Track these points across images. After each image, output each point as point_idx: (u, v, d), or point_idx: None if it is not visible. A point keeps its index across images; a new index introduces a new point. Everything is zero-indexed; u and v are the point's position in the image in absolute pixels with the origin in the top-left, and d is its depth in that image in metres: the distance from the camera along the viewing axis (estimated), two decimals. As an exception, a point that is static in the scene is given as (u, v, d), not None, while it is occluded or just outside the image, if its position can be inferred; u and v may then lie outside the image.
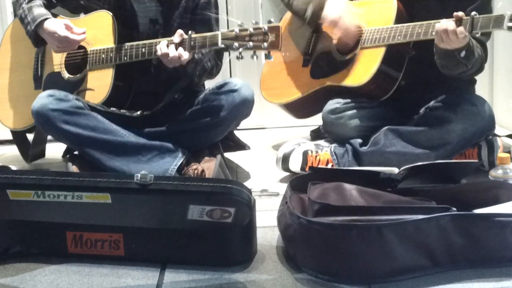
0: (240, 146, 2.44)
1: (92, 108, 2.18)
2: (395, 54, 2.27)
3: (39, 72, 2.42)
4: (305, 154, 2.27)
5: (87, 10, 2.34)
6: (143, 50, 2.18)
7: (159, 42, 2.13)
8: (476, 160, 2.21)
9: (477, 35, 2.07)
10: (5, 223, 1.65)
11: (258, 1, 3.16)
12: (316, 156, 2.26)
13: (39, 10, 2.28)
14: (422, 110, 2.28)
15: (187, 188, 1.54)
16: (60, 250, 1.65)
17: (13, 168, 2.46)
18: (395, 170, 1.81)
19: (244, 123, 2.40)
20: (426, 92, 2.32)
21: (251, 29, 1.99)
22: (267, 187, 2.23)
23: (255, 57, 2.03)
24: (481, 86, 2.59)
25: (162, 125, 2.26)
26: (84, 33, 2.24)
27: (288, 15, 2.61)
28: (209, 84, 2.35)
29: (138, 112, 2.24)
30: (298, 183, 1.77)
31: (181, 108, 2.28)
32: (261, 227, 1.70)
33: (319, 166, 2.22)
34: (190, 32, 2.09)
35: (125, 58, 2.21)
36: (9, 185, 1.57)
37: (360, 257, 1.44)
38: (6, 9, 3.03)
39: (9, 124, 2.49)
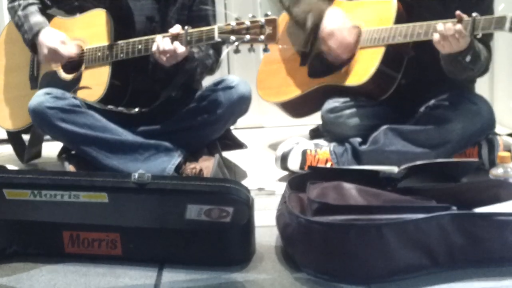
0: (238, 145, 2.44)
1: (89, 106, 2.17)
2: (394, 54, 2.26)
3: (35, 71, 2.41)
4: (304, 153, 2.27)
5: (82, 11, 2.35)
6: (139, 46, 2.18)
7: (156, 38, 2.13)
8: (477, 159, 2.21)
9: (478, 36, 2.05)
10: (2, 223, 1.64)
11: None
12: (315, 155, 2.26)
13: (36, 18, 2.29)
14: (422, 109, 2.28)
15: (185, 188, 1.53)
16: (57, 250, 1.64)
17: (10, 167, 2.46)
18: (395, 169, 1.80)
19: (242, 122, 2.40)
20: (426, 91, 2.32)
21: (248, 22, 1.99)
22: (266, 186, 2.22)
23: (252, 50, 2.03)
24: (482, 85, 2.58)
25: (159, 123, 2.26)
26: (75, 53, 2.25)
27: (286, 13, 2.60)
28: (206, 81, 2.35)
29: (136, 109, 2.23)
30: (297, 182, 1.76)
31: (179, 106, 2.27)
32: (260, 227, 1.69)
33: (318, 165, 2.22)
34: (186, 27, 2.09)
35: (121, 55, 2.20)
36: (5, 185, 1.56)
37: (360, 257, 1.44)
38: (2, 11, 3.03)
39: (5, 125, 2.49)
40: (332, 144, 2.28)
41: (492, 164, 2.14)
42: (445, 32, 2.02)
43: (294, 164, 2.27)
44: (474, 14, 2.00)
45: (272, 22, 1.99)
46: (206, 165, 2.15)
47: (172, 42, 2.08)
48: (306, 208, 1.60)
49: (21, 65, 2.45)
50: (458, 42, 2.02)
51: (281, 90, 2.55)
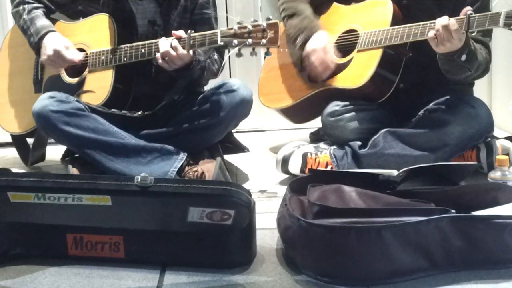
0: (239, 148, 2.45)
1: (93, 110, 2.18)
2: (392, 56, 2.27)
3: (39, 75, 2.42)
4: (304, 156, 2.28)
5: (85, 15, 2.36)
6: (143, 50, 2.19)
7: (158, 42, 2.14)
8: (475, 162, 2.21)
9: (475, 35, 2.07)
10: (6, 225, 1.65)
11: (258, 1, 3.17)
12: (315, 159, 2.27)
13: (42, 22, 2.30)
14: (420, 113, 2.29)
15: (187, 191, 1.54)
16: (60, 252, 1.65)
17: (14, 170, 2.47)
18: (394, 172, 1.81)
19: (243, 126, 2.41)
20: (425, 94, 2.33)
21: (250, 26, 2.01)
22: (267, 189, 2.23)
23: (254, 54, 2.05)
24: (480, 88, 2.60)
25: (162, 126, 2.27)
26: (79, 59, 2.26)
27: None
28: (208, 85, 2.36)
29: (139, 112, 2.25)
30: (298, 185, 1.77)
31: (181, 109, 2.28)
32: (261, 229, 1.70)
33: (319, 168, 2.23)
34: (189, 30, 2.10)
35: (125, 59, 2.22)
36: (9, 188, 1.57)
37: (359, 259, 1.45)
38: (7, 16, 3.04)
39: (9, 128, 2.50)
40: (332, 148, 2.29)
41: (491, 167, 2.14)
42: (438, 26, 2.03)
43: (294, 167, 2.29)
44: (468, 12, 2.01)
45: (274, 26, 2.01)
46: (208, 168, 2.16)
47: (174, 46, 2.10)
48: (306, 211, 1.61)
49: (25, 69, 2.46)
50: (453, 39, 2.03)
51: (282, 96, 2.56)
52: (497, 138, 2.32)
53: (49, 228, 1.64)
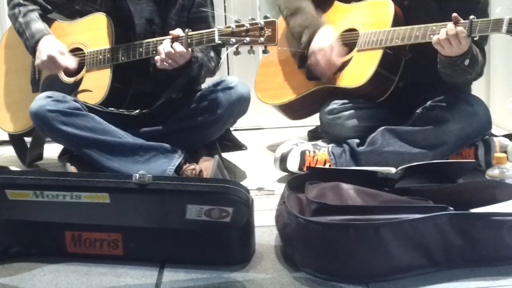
0: (237, 146, 2.45)
1: (90, 109, 2.18)
2: (392, 57, 2.27)
3: (37, 75, 2.42)
4: (303, 154, 2.28)
5: (82, 14, 2.35)
6: (140, 49, 2.19)
7: (157, 41, 2.14)
8: (473, 160, 2.22)
9: (476, 39, 2.07)
10: (4, 223, 1.65)
11: (256, 2, 3.16)
12: (313, 156, 2.27)
13: (37, 25, 2.30)
14: (419, 110, 2.29)
15: (185, 188, 1.54)
16: (59, 250, 1.65)
17: (12, 168, 2.47)
18: (392, 169, 1.81)
19: (241, 123, 2.41)
20: (423, 92, 2.33)
21: (248, 25, 2.01)
22: (265, 187, 2.23)
23: (252, 52, 2.05)
24: (478, 86, 2.60)
25: (160, 124, 2.27)
26: (73, 65, 2.26)
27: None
28: (205, 82, 2.36)
29: (137, 111, 2.24)
30: (296, 183, 1.77)
31: (179, 107, 2.28)
32: (259, 227, 1.70)
33: (317, 166, 2.23)
34: (186, 29, 2.10)
35: (123, 58, 2.22)
36: (8, 185, 1.57)
37: (358, 256, 1.45)
38: (4, 15, 3.03)
39: (7, 128, 2.49)
40: (331, 145, 2.30)
41: (489, 165, 2.14)
42: (447, 33, 2.03)
43: (293, 165, 2.29)
44: (471, 17, 2.02)
45: (271, 24, 2.01)
46: (206, 166, 2.16)
47: (172, 45, 2.10)
48: (305, 208, 1.61)
49: (22, 69, 2.45)
50: (460, 44, 2.04)
51: (279, 92, 2.56)
52: (495, 136, 2.33)
53: (48, 225, 1.64)
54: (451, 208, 1.53)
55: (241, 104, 2.25)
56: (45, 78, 2.39)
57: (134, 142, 2.18)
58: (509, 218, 1.49)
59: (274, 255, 1.64)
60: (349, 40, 2.39)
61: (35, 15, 2.33)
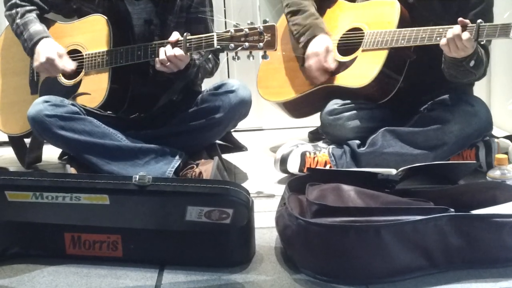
0: (237, 147, 2.45)
1: (89, 112, 2.17)
2: (396, 58, 2.27)
3: (35, 77, 2.41)
4: (303, 155, 2.27)
5: (80, 15, 2.34)
6: (139, 52, 2.18)
7: (155, 45, 2.13)
8: (474, 161, 2.21)
9: (482, 43, 2.06)
10: (3, 225, 1.65)
11: (256, 2, 3.16)
12: (314, 158, 2.26)
13: (35, 27, 2.29)
14: (419, 111, 2.29)
15: (185, 189, 1.54)
16: (58, 251, 1.65)
17: (12, 169, 2.47)
18: (393, 171, 1.81)
19: (241, 125, 2.40)
20: (424, 93, 2.33)
21: (247, 30, 2.00)
22: (265, 188, 2.23)
23: (251, 57, 2.04)
24: (479, 87, 2.59)
25: (160, 126, 2.26)
26: (72, 68, 2.25)
27: (286, 15, 2.61)
28: (206, 85, 2.36)
29: (135, 115, 2.24)
30: (296, 184, 1.77)
31: (179, 109, 2.28)
32: (259, 228, 1.70)
33: (317, 167, 2.22)
34: (185, 33, 2.09)
35: (121, 61, 2.21)
36: (7, 187, 1.57)
37: (358, 258, 1.45)
38: (1, 15, 3.02)
39: (6, 130, 2.49)
40: (331, 147, 2.29)
41: (490, 166, 2.14)
42: (454, 37, 2.03)
43: (293, 166, 2.28)
44: (478, 21, 2.00)
45: (271, 29, 1.99)
46: (206, 168, 2.16)
47: (175, 49, 2.08)
48: (305, 210, 1.60)
49: (20, 70, 2.44)
50: (466, 48, 2.03)
51: (282, 90, 2.55)
52: (496, 137, 2.32)
53: (47, 227, 1.64)
54: (452, 210, 1.52)
55: (242, 108, 2.24)
56: (44, 80, 2.38)
57: (133, 145, 2.17)
58: (510, 219, 1.49)
59: (274, 257, 1.64)
60: (354, 39, 2.38)
61: (32, 16, 2.32)
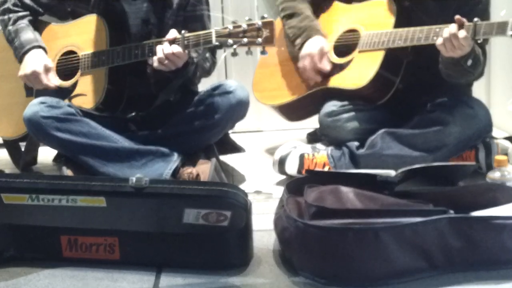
0: (235, 149, 2.44)
1: (85, 113, 2.17)
2: (393, 59, 2.26)
3: None
4: (301, 157, 2.27)
5: (75, 16, 2.33)
6: (136, 51, 2.17)
7: (152, 43, 2.12)
8: (474, 163, 2.21)
9: (479, 41, 2.06)
10: (-1, 227, 1.64)
11: (254, 3, 3.16)
12: (312, 159, 2.26)
13: (26, 35, 2.29)
14: (419, 113, 2.28)
15: (182, 192, 1.54)
16: (54, 254, 1.64)
17: (7, 171, 2.45)
18: (392, 172, 1.80)
19: (240, 126, 2.40)
20: (423, 95, 2.32)
21: (245, 25, 1.99)
22: (263, 190, 2.22)
23: (250, 53, 2.03)
24: (478, 88, 2.59)
25: (157, 128, 2.26)
26: (54, 85, 2.25)
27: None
28: (204, 86, 2.35)
29: (133, 114, 2.23)
30: (295, 186, 1.76)
31: (176, 110, 2.27)
32: (258, 231, 1.69)
33: (316, 169, 2.22)
34: (183, 31, 2.09)
35: (118, 61, 2.20)
36: (3, 189, 1.57)
37: (357, 260, 1.44)
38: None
39: (1, 133, 2.48)
40: (330, 148, 2.29)
41: (489, 167, 2.14)
42: (451, 35, 2.02)
43: (291, 168, 2.28)
44: (475, 19, 2.00)
45: (269, 25, 1.98)
46: (203, 170, 2.15)
47: (173, 46, 2.08)
48: (303, 212, 1.60)
49: (15, 73, 2.41)
50: (463, 46, 2.03)
51: (278, 93, 2.54)
52: (496, 138, 2.32)
53: (43, 229, 1.63)
54: (452, 212, 1.52)
55: (240, 109, 2.23)
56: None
57: (130, 147, 2.17)
58: (510, 221, 1.48)
59: (273, 259, 1.63)
60: (350, 41, 2.38)
61: (25, 23, 2.31)
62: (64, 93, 2.26)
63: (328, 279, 1.46)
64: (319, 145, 2.35)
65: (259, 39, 1.98)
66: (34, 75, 2.23)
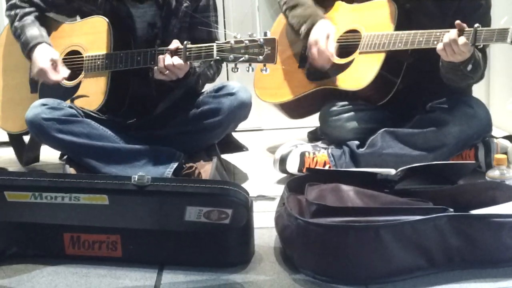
0: (237, 147, 2.44)
1: (87, 114, 2.17)
2: (394, 60, 2.26)
3: None
4: (302, 155, 2.27)
5: (82, 15, 2.33)
6: (138, 58, 2.16)
7: (155, 51, 2.12)
8: (473, 161, 2.21)
9: (480, 47, 2.06)
10: (2, 225, 1.65)
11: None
12: (313, 158, 2.26)
13: (32, 31, 2.28)
14: (419, 113, 2.28)
15: (184, 190, 1.54)
16: (57, 252, 1.65)
17: (10, 170, 2.47)
18: (392, 171, 1.81)
19: (241, 125, 2.40)
20: (423, 95, 2.32)
21: (247, 42, 1.98)
22: (265, 188, 2.23)
23: (250, 69, 2.02)
24: (478, 88, 2.59)
25: (159, 128, 2.26)
26: (63, 77, 2.25)
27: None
28: (206, 87, 2.35)
29: (134, 119, 2.23)
30: (296, 185, 1.77)
31: (179, 111, 2.27)
32: (259, 228, 1.70)
33: (317, 167, 2.22)
34: (185, 42, 2.08)
35: (120, 66, 2.19)
36: (6, 187, 1.57)
37: (358, 258, 1.45)
38: (2, 13, 3.02)
39: (6, 127, 2.48)
40: (330, 147, 2.29)
41: (489, 166, 2.15)
42: (451, 41, 2.02)
43: (292, 166, 2.28)
44: (476, 25, 2.00)
45: (271, 42, 1.97)
46: (205, 169, 2.15)
47: (174, 58, 2.07)
48: (304, 210, 1.60)
49: (20, 67, 2.43)
50: (463, 52, 2.03)
51: (279, 91, 2.54)
52: (495, 137, 2.32)
53: (46, 227, 1.64)
54: (451, 210, 1.53)
55: (242, 110, 2.23)
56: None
57: (132, 147, 2.17)
58: (509, 219, 1.49)
59: (274, 257, 1.64)
60: (351, 42, 2.38)
61: (31, 19, 2.31)
62: (67, 93, 2.26)
63: (328, 277, 1.47)
64: (320, 144, 2.35)
65: (260, 57, 1.97)
66: (42, 73, 2.23)
